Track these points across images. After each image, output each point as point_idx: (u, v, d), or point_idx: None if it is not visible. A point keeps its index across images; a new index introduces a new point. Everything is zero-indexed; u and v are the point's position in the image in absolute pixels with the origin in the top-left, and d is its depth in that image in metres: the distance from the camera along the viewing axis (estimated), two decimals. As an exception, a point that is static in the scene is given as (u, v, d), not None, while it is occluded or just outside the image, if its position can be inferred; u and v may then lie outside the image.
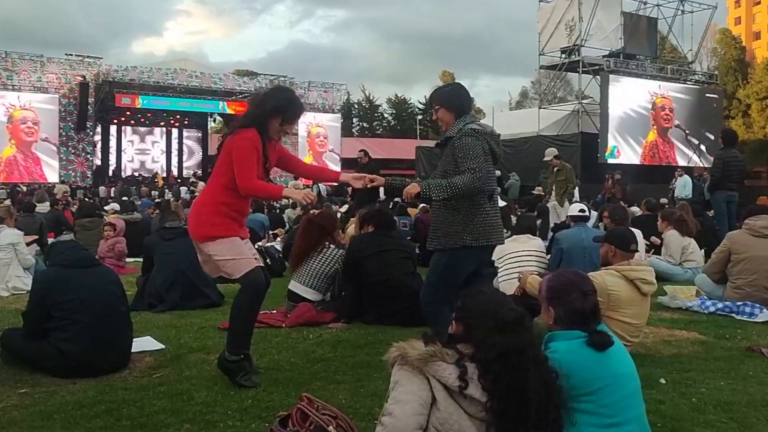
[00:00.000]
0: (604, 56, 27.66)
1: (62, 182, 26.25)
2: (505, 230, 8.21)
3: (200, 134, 38.66)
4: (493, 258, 6.65)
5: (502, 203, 8.60)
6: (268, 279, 4.13)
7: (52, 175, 28.81)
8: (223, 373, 4.08)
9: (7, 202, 15.15)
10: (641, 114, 27.16)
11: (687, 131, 28.08)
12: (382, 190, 9.71)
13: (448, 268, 4.19)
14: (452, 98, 4.31)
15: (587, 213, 7.14)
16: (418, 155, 32.77)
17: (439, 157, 4.45)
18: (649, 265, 5.01)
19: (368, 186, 4.42)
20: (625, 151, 26.50)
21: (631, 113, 26.80)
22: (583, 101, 28.31)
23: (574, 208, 7.06)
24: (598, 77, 27.01)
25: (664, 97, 27.81)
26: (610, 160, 25.41)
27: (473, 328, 2.42)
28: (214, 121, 38.18)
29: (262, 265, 4.15)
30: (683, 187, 19.08)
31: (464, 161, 4.01)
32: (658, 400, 3.70)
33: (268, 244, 9.68)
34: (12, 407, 3.72)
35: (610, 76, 26.21)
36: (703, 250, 8.79)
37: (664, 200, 15.95)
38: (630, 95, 26.73)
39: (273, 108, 4.06)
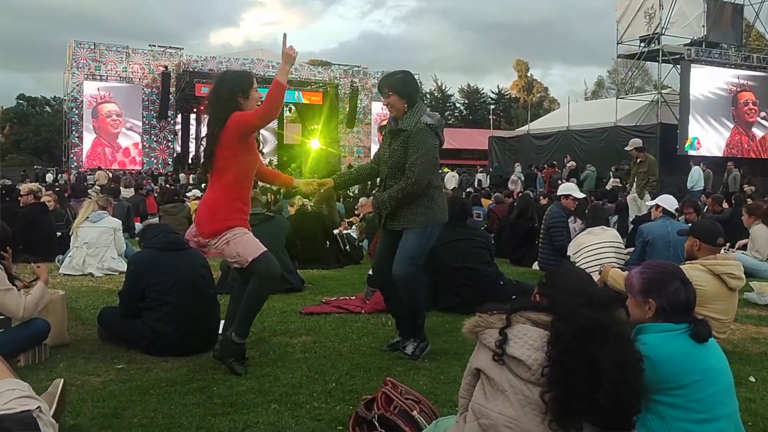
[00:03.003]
0: (685, 45, 26.70)
1: (99, 169, 27.06)
2: (581, 222, 8.14)
3: (275, 123, 39.26)
4: (568, 252, 6.59)
5: (580, 195, 8.45)
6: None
7: (135, 162, 29.93)
8: (220, 353, 4.18)
9: (97, 187, 15.85)
10: (723, 105, 26.17)
11: (774, 123, 26.93)
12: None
13: (426, 243, 4.47)
14: (404, 86, 4.46)
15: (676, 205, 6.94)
16: (491, 145, 32.50)
17: (387, 144, 4.58)
18: (736, 259, 4.86)
19: (319, 191, 4.85)
20: (705, 143, 25.60)
21: (713, 104, 25.85)
22: (662, 91, 27.45)
23: (666, 201, 6.85)
24: (678, 66, 26.13)
25: (746, 90, 26.70)
26: (691, 152, 24.58)
27: (560, 303, 2.36)
28: (290, 110, 38.73)
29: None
30: (691, 178, 18.17)
31: (412, 161, 4.31)
32: (748, 398, 3.62)
33: (345, 232, 9.84)
34: (110, 381, 3.93)
35: (691, 65, 25.32)
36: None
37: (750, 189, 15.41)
38: (712, 85, 25.78)
39: (230, 91, 4.09)
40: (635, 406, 2.29)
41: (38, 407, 2.74)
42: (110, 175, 24.39)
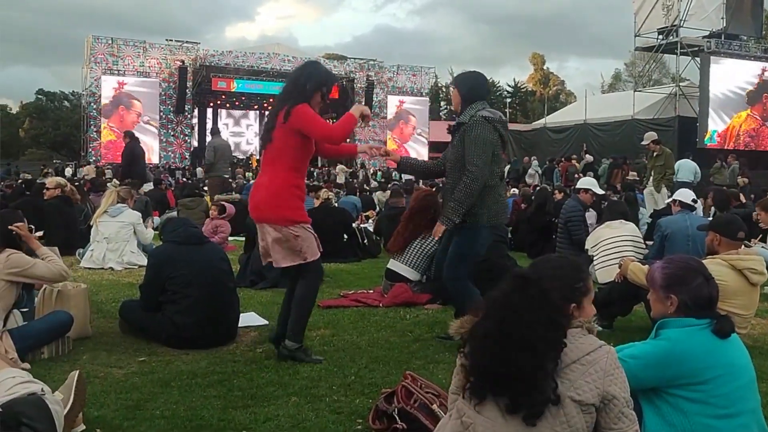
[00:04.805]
0: (704, 37, 26.41)
1: (90, 162, 27.11)
2: (597, 214, 8.10)
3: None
4: (586, 246, 6.57)
5: (600, 192, 8.40)
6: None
7: (152, 156, 30.08)
8: (290, 358, 4.19)
9: (115, 181, 15.94)
10: (741, 97, 25.92)
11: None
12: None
13: (473, 244, 4.45)
14: (464, 84, 4.61)
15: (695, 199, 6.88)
16: (507, 138, 32.27)
17: (451, 141, 4.64)
18: (757, 254, 4.83)
19: (379, 155, 4.88)
20: (723, 136, 25.40)
21: (731, 96, 25.61)
22: (680, 84, 27.19)
23: (682, 194, 6.80)
24: (696, 59, 25.86)
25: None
26: (710, 145, 24.41)
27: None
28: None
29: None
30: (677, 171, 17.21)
31: (469, 154, 4.34)
32: (769, 393, 3.60)
33: (362, 226, 9.87)
34: (133, 374, 3.97)
35: (711, 57, 25.06)
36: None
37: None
38: (731, 78, 25.51)
39: (317, 83, 4.14)
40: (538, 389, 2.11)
41: (41, 388, 2.78)
42: (95, 168, 24.39)
